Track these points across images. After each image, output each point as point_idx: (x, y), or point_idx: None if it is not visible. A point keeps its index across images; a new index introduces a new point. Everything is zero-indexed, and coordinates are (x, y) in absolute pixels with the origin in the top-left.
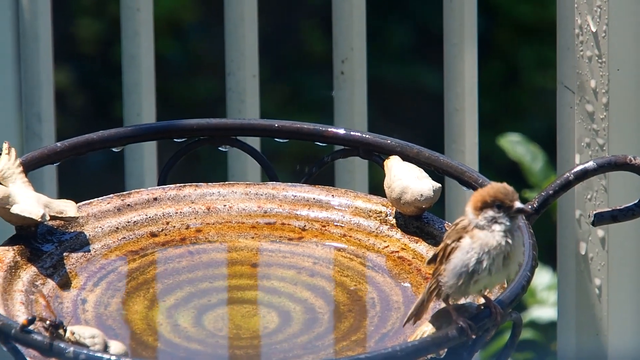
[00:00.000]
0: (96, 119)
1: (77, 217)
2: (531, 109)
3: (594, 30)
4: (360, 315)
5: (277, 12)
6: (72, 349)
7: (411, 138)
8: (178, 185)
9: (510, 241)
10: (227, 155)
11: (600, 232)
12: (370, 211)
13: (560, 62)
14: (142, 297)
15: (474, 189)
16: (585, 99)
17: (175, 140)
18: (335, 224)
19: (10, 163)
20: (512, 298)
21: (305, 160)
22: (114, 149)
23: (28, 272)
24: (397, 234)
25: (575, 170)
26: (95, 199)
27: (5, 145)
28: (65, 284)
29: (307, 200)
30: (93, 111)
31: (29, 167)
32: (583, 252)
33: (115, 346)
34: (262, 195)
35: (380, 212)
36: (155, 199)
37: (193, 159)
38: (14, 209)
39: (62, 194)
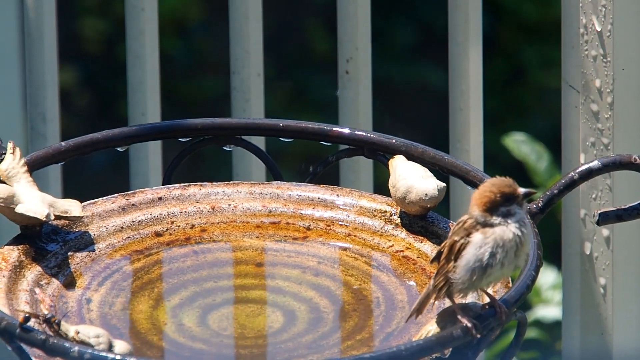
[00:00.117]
0: (101, 118)
1: (82, 217)
2: (535, 108)
3: (598, 29)
4: (365, 314)
5: (281, 10)
6: (76, 348)
7: (416, 137)
8: (183, 184)
9: (524, 230)
10: (232, 155)
11: (605, 231)
12: (375, 210)
13: (565, 61)
14: (146, 296)
15: None
16: (590, 98)
17: (180, 139)
18: (340, 223)
19: (15, 163)
20: (517, 297)
21: (309, 159)
22: (118, 149)
23: (33, 272)
24: (402, 233)
25: (580, 169)
26: (100, 198)
27: (10, 145)
28: (70, 284)
29: (312, 200)
30: (97, 111)
31: (34, 167)
32: (588, 252)
33: (120, 345)
34: (266, 194)
35: (385, 211)
36: (159, 198)
37: (198, 158)
38: (19, 209)
39: (66, 194)
